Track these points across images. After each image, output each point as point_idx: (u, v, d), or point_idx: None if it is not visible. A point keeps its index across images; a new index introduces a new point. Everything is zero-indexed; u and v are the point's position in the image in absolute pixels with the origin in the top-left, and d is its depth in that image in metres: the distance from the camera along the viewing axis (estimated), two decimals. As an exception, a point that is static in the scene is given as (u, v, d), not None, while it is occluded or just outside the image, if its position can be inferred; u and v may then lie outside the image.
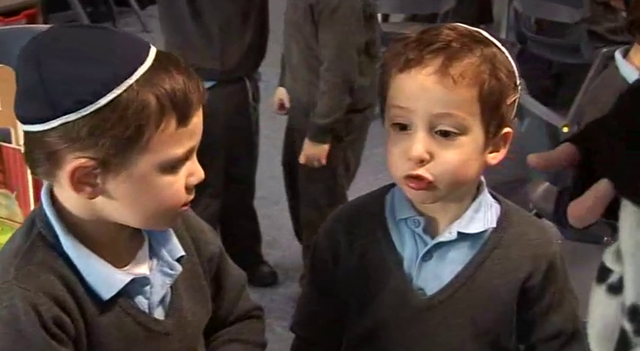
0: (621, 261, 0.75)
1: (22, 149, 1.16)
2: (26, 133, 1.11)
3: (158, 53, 1.11)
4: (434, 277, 1.29)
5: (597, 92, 2.41)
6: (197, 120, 1.13)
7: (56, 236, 1.15)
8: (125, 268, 1.19)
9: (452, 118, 1.19)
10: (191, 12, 2.90)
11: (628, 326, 0.73)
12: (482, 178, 1.30)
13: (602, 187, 0.73)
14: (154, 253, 1.22)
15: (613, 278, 0.76)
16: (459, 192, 1.26)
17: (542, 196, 2.78)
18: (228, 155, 3.02)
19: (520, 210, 1.36)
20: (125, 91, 1.06)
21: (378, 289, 1.31)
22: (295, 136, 3.05)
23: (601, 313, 0.77)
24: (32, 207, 1.81)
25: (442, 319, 1.29)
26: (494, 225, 1.29)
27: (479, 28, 1.29)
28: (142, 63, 1.08)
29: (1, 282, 1.12)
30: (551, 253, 1.31)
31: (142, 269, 1.21)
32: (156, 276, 1.21)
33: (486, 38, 1.24)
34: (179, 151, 1.11)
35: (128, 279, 1.16)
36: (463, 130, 1.20)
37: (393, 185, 1.34)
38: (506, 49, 1.27)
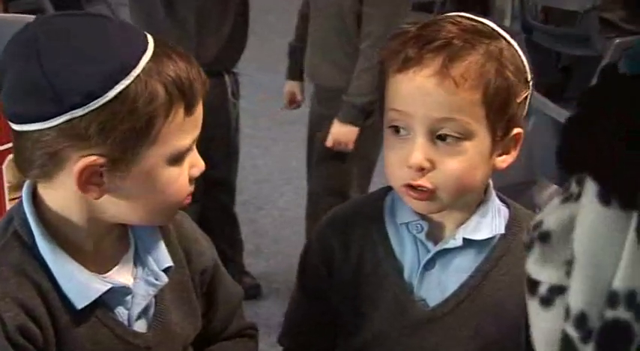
0: (546, 269, 0.78)
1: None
2: (19, 133, 1.11)
3: (156, 40, 1.13)
4: (437, 286, 1.30)
5: None
6: (200, 107, 1.16)
7: (32, 237, 1.16)
8: (107, 275, 1.20)
9: (454, 123, 1.19)
10: (164, 1, 2.89)
11: (574, 333, 0.75)
12: (490, 182, 1.31)
13: None
14: (139, 260, 1.24)
15: (542, 289, 0.80)
16: (465, 199, 1.27)
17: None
18: (206, 156, 3.00)
19: (531, 215, 1.36)
20: (133, 81, 1.08)
21: (376, 300, 1.32)
22: (323, 126, 3.04)
23: (539, 328, 0.81)
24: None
25: (445, 332, 1.30)
26: (503, 231, 1.30)
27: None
28: (144, 50, 1.10)
29: None
30: None
31: (125, 277, 1.22)
32: (139, 285, 1.22)
33: (493, 31, 1.24)
34: (186, 141, 1.15)
35: (105, 288, 1.17)
36: (467, 135, 1.20)
37: (392, 187, 1.34)
38: (516, 40, 1.26)
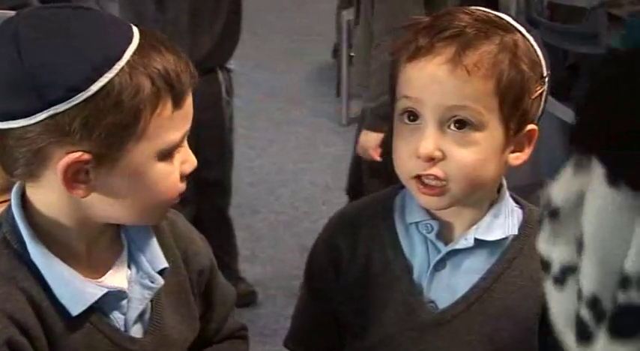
0: (557, 247, 0.79)
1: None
2: (2, 131, 1.10)
3: (142, 32, 1.13)
4: (447, 288, 1.30)
5: None
6: (189, 101, 1.16)
7: (23, 242, 1.15)
8: (100, 280, 1.20)
9: (465, 111, 1.20)
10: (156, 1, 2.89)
11: (587, 315, 0.76)
12: (504, 181, 1.31)
13: None
14: (133, 262, 1.23)
15: (554, 269, 0.81)
16: (476, 195, 1.27)
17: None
18: (199, 155, 3.00)
19: None
20: (117, 74, 1.07)
21: (384, 301, 1.32)
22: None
23: (556, 308, 0.81)
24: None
25: (455, 336, 1.30)
26: (516, 232, 1.30)
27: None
28: (129, 43, 1.10)
29: None
30: None
31: (120, 280, 1.22)
32: (134, 288, 1.22)
33: (508, 23, 1.25)
34: (176, 135, 1.14)
35: (101, 293, 1.17)
36: (478, 125, 1.21)
37: (402, 186, 1.34)
38: (532, 35, 1.26)
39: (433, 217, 1.29)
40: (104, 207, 1.14)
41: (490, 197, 1.30)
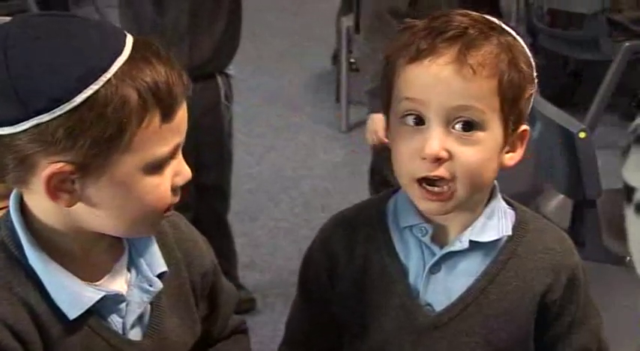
0: None
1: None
2: None
3: (136, 42, 1.13)
4: (443, 291, 1.31)
5: None
6: (182, 114, 1.15)
7: (20, 247, 1.16)
8: (99, 283, 1.20)
9: (470, 111, 1.21)
10: (155, 3, 2.89)
11: None
12: (496, 182, 1.32)
13: None
14: (133, 265, 1.24)
15: (638, 196, 0.80)
16: (474, 197, 1.28)
17: (555, 211, 2.79)
18: (198, 161, 3.01)
19: (537, 217, 1.39)
20: (103, 86, 1.07)
21: (380, 305, 1.33)
22: None
23: (636, 236, 0.81)
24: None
25: (452, 338, 1.31)
26: (510, 233, 1.32)
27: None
28: (119, 54, 1.10)
29: None
30: (572, 264, 1.34)
31: (118, 284, 1.22)
32: (133, 292, 1.23)
33: (500, 25, 1.27)
34: (164, 149, 1.13)
35: (98, 297, 1.18)
36: (482, 125, 1.22)
37: (395, 191, 1.35)
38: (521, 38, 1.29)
39: (427, 220, 1.30)
40: (91, 217, 1.15)
41: (483, 199, 1.31)
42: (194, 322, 1.32)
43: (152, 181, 1.14)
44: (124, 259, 1.24)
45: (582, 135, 2.43)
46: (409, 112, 1.23)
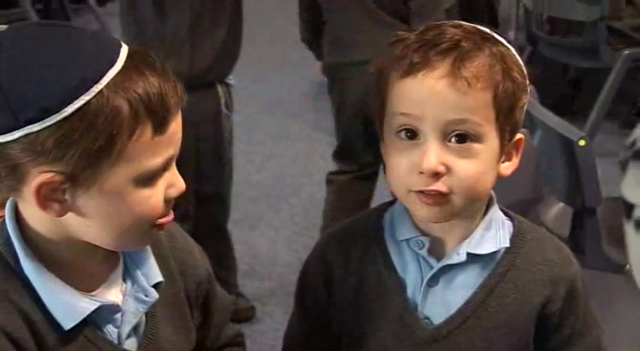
0: None
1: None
2: None
3: (130, 53, 1.12)
4: (441, 304, 1.31)
5: None
6: (175, 126, 1.14)
7: (16, 256, 1.16)
8: (94, 293, 1.20)
9: (467, 124, 1.20)
10: (156, 9, 2.89)
11: None
12: (493, 193, 1.32)
13: None
14: (128, 275, 1.24)
15: (637, 213, 0.79)
16: (471, 208, 1.27)
17: (555, 219, 2.79)
18: (198, 170, 3.01)
19: (535, 227, 1.38)
20: (94, 97, 1.07)
21: (378, 319, 1.32)
22: None
23: (636, 253, 0.81)
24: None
25: None
26: (508, 244, 1.31)
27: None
28: (112, 65, 1.09)
29: None
30: (571, 275, 1.33)
31: (113, 294, 1.22)
32: (128, 302, 1.23)
33: (492, 35, 1.27)
34: (156, 161, 1.13)
35: (93, 307, 1.18)
36: (478, 137, 1.21)
37: (391, 203, 1.34)
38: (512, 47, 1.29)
39: (424, 233, 1.30)
40: (81, 227, 1.15)
41: (481, 210, 1.30)
42: (189, 330, 1.32)
43: (143, 193, 1.13)
44: (120, 269, 1.24)
45: (582, 143, 2.43)
46: (403, 128, 1.23)
